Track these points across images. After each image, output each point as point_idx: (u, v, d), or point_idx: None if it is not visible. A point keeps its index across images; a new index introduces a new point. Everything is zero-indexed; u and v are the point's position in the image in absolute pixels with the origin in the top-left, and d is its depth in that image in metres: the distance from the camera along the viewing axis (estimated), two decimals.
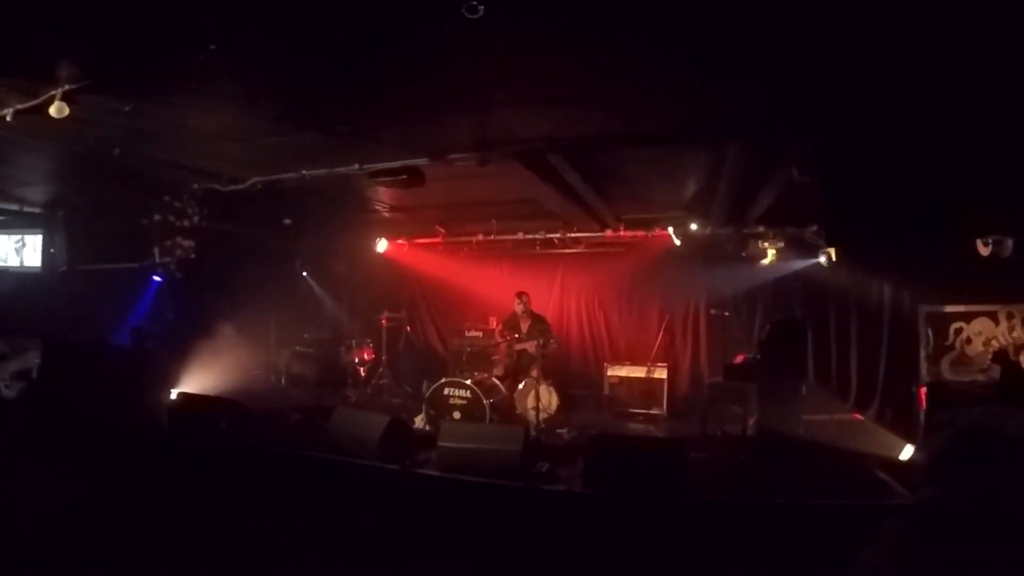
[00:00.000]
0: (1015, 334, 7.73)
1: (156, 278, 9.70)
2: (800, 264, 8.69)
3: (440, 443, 6.29)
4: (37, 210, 8.85)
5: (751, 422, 7.53)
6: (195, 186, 7.56)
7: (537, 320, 9.10)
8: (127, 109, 4.90)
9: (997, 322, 7.82)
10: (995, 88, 4.16)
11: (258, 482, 6.02)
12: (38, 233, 8.84)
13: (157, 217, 7.76)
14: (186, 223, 7.76)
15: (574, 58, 3.88)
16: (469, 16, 2.99)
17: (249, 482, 6.00)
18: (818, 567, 4.55)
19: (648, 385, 9.31)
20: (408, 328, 11.24)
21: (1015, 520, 1.69)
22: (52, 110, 4.44)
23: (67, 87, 4.41)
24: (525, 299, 9.10)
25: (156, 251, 8.25)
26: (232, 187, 7.34)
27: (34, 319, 8.41)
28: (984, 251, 7.01)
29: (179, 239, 7.99)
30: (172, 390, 8.64)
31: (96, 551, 4.51)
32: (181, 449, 6.75)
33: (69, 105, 4.46)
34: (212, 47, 3.71)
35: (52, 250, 8.84)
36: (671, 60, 3.94)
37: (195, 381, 9.31)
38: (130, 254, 8.81)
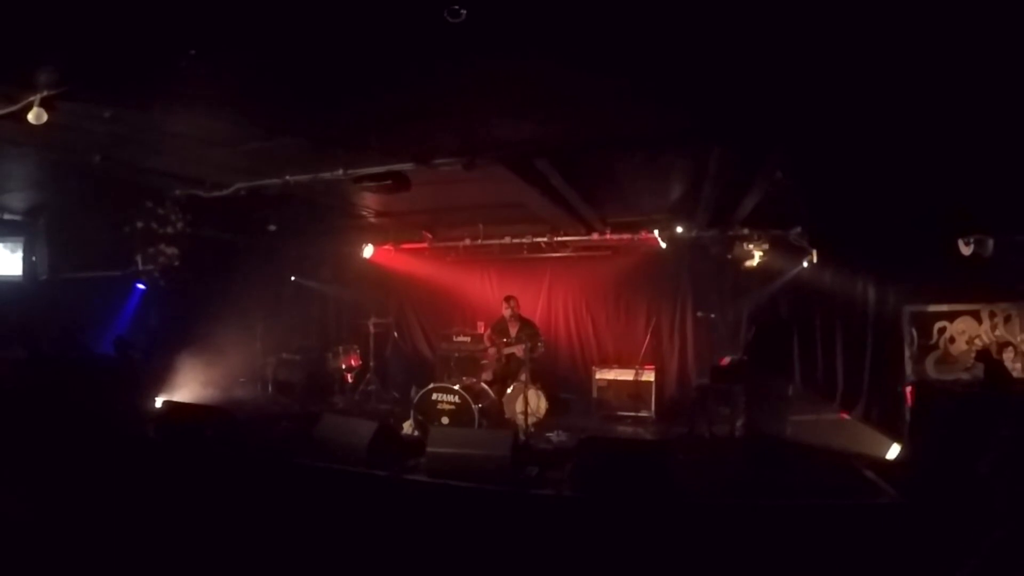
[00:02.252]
0: (997, 332, 7.81)
1: (139, 286, 9.60)
2: (785, 266, 8.74)
3: (429, 449, 6.26)
4: (17, 217, 8.74)
5: (739, 423, 7.56)
6: (178, 192, 7.49)
7: (525, 324, 9.10)
8: (107, 115, 4.85)
9: (980, 321, 7.90)
10: (976, 90, 4.21)
11: (245, 490, 5.97)
12: (19, 241, 8.72)
13: (139, 224, 7.68)
14: (169, 230, 7.68)
15: (558, 62, 3.88)
16: (451, 20, 2.98)
17: (236, 490, 5.95)
18: (806, 567, 4.57)
19: (636, 388, 9.32)
20: (395, 334, 11.19)
21: None
22: (30, 116, 4.39)
23: (46, 93, 4.36)
24: (513, 303, 9.09)
25: (139, 258, 8.15)
26: (215, 193, 7.28)
27: (15, 329, 8.29)
28: (966, 251, 7.08)
29: (162, 246, 7.90)
30: (157, 399, 8.55)
31: (81, 561, 4.45)
32: (167, 458, 6.68)
33: (48, 111, 4.41)
34: (192, 52, 3.68)
35: (33, 258, 8.73)
36: (655, 64, 3.95)
37: (180, 389, 9.21)
38: (113, 262, 8.71)
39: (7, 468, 5.89)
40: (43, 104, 4.38)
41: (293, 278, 11.56)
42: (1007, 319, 7.79)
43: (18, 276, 8.67)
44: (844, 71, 4.00)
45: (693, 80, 4.20)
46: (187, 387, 9.40)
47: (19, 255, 8.64)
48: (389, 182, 6.12)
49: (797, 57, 3.85)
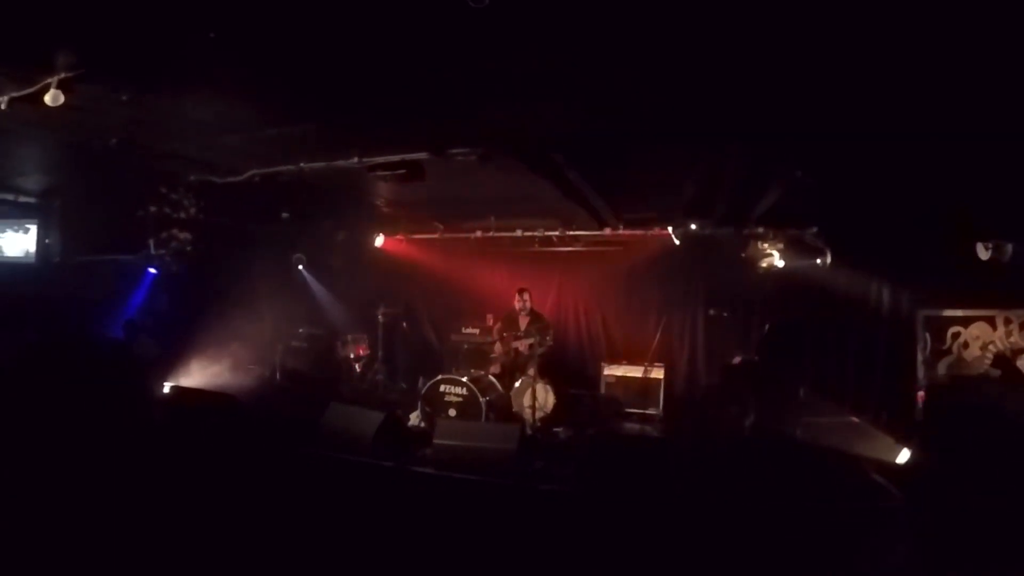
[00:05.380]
0: (1012, 339, 7.72)
1: (151, 270, 9.62)
2: (800, 266, 8.66)
3: (435, 440, 6.26)
4: (32, 200, 8.77)
5: (748, 423, 7.51)
6: (192, 177, 7.49)
7: (536, 318, 9.06)
8: (124, 98, 4.84)
9: (995, 327, 7.81)
10: (994, 92, 4.14)
11: (250, 478, 5.98)
12: (33, 223, 8.75)
13: (153, 209, 7.69)
14: (182, 215, 7.69)
15: (580, 52, 3.83)
16: (475, 6, 2.94)
17: (241, 477, 5.96)
18: (813, 569, 4.54)
19: (645, 385, 9.28)
20: (405, 324, 11.18)
21: None
22: (47, 98, 4.38)
23: (63, 75, 4.35)
24: (526, 296, 9.06)
25: (152, 243, 8.18)
26: (229, 179, 7.28)
27: (27, 311, 8.32)
28: (984, 255, 7.00)
29: (175, 231, 7.92)
30: (165, 383, 8.58)
31: (85, 546, 4.46)
32: (173, 443, 6.69)
33: (65, 93, 4.40)
34: (212, 35, 3.66)
35: (47, 241, 8.76)
36: (676, 55, 3.90)
37: (188, 375, 9.24)
38: (126, 246, 8.74)
39: (15, 450, 5.92)
40: (60, 86, 4.37)
41: (300, 267, 11.57)
42: (1022, 326, 7.70)
43: (31, 258, 8.71)
44: (867, 69, 3.95)
45: (716, 75, 4.15)
46: (195, 372, 9.43)
47: (33, 237, 8.67)
48: (403, 171, 6.09)
49: (821, 55, 3.79)
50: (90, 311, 9.19)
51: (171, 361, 9.24)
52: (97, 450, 6.14)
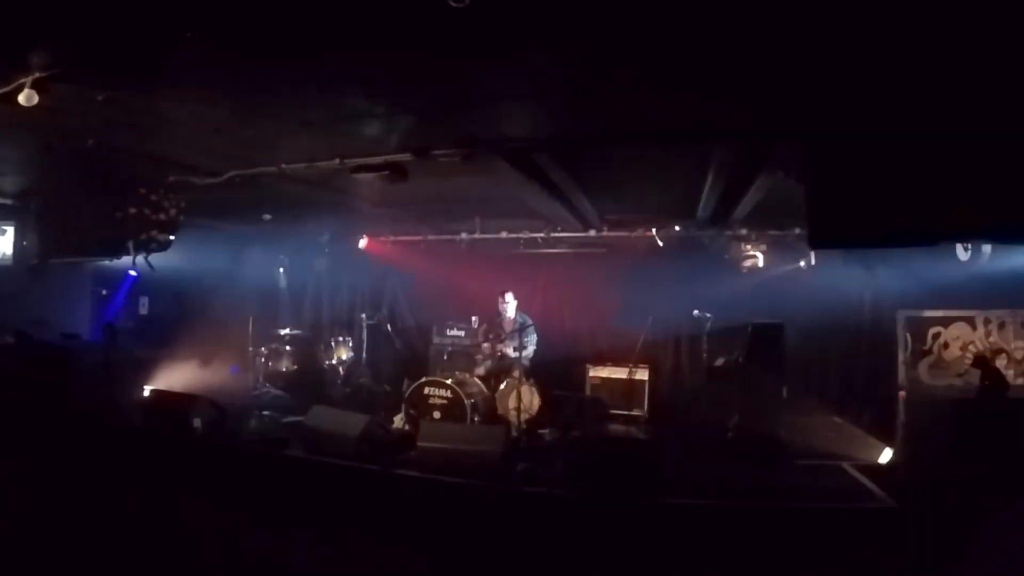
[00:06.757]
0: (991, 339, 7.80)
1: (131, 273, 9.50)
2: (783, 267, 8.72)
3: (420, 443, 6.24)
4: (8, 201, 8.63)
5: (732, 424, 7.54)
6: (171, 179, 7.39)
7: (521, 320, 9.05)
8: (100, 98, 4.77)
9: (974, 327, 7.89)
10: (977, 94, 4.18)
11: (232, 481, 5.92)
12: (9, 225, 8.62)
13: (132, 210, 7.58)
14: (162, 217, 7.59)
15: (564, 51, 3.82)
16: (455, 5, 2.92)
17: (223, 481, 5.90)
18: (796, 569, 4.57)
19: (629, 386, 9.28)
20: (388, 326, 11.12)
21: None
22: (21, 98, 4.29)
23: (37, 75, 4.27)
24: (510, 298, 9.04)
25: (131, 245, 8.06)
26: (209, 180, 7.19)
27: (3, 313, 8.20)
28: (963, 256, 7.07)
29: (155, 233, 7.81)
30: (145, 387, 8.48)
31: (65, 549, 4.39)
32: (154, 447, 6.62)
33: (39, 93, 4.32)
34: (188, 34, 3.61)
35: (24, 243, 8.63)
36: (659, 58, 3.90)
37: (169, 378, 9.13)
38: (105, 248, 8.62)
39: None
40: (34, 86, 4.29)
41: (281, 270, 11.48)
42: (1001, 326, 7.79)
43: (8, 260, 8.59)
44: (850, 74, 3.97)
45: (698, 76, 4.15)
46: (176, 376, 9.32)
47: (9, 239, 8.55)
48: (386, 172, 6.05)
49: (803, 58, 3.81)
50: (68, 314, 9.07)
51: (151, 364, 9.13)
52: (76, 453, 6.06)
